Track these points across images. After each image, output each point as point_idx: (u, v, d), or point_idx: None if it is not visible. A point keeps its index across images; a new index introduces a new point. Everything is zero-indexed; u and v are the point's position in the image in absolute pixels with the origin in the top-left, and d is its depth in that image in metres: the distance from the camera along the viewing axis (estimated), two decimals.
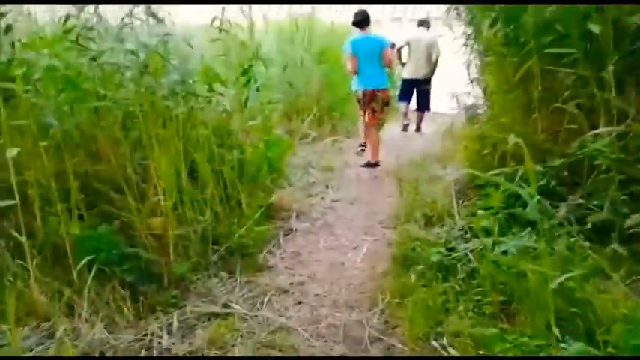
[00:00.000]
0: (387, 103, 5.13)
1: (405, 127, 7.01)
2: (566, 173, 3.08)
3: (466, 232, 2.93)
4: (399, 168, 4.58)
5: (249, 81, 3.84)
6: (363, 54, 4.97)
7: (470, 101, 5.33)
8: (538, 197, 2.59)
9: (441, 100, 8.39)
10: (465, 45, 4.83)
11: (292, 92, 6.09)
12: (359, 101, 5.18)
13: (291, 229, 3.27)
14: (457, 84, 5.35)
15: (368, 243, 3.08)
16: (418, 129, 7.05)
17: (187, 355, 1.95)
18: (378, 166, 5.03)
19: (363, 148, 5.37)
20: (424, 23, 6.78)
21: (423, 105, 6.97)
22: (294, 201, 3.63)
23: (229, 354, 1.95)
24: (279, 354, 1.96)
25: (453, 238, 2.90)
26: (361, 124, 5.42)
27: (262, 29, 5.77)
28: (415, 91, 6.87)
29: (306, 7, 6.29)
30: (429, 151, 5.31)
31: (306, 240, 3.14)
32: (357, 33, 5.17)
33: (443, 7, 4.75)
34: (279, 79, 6.10)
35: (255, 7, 5.66)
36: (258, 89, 4.06)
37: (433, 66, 6.69)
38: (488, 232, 2.83)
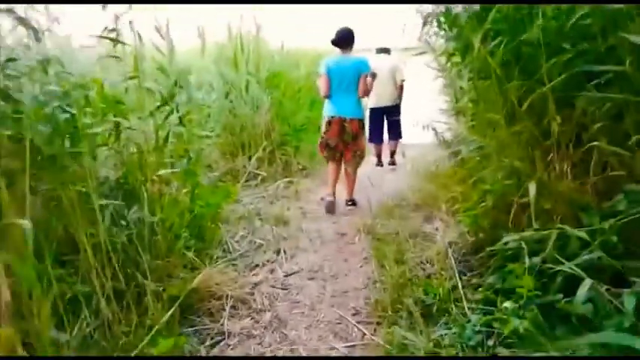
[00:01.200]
0: (355, 137, 4.21)
1: (379, 163, 6.13)
2: (615, 239, 2.17)
3: (488, 337, 1.94)
4: (373, 218, 3.60)
5: (171, 112, 2.80)
6: (336, 76, 4.17)
7: (449, 134, 4.54)
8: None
9: (410, 130, 7.64)
10: (442, 69, 4.01)
11: (236, 123, 5.04)
12: (321, 136, 4.33)
13: (222, 334, 2.16)
14: (426, 112, 4.59)
15: (339, 354, 2.03)
16: (392, 162, 6.19)
17: None
18: (353, 205, 4.34)
19: (329, 198, 4.29)
20: (384, 50, 6.12)
21: (395, 134, 6.13)
22: (230, 281, 2.53)
23: None
24: None
25: (470, 348, 1.91)
26: (329, 169, 4.39)
27: (198, 50, 4.75)
28: (385, 121, 6.02)
29: (251, 27, 5.32)
30: (406, 193, 4.36)
31: (244, 352, 2.05)
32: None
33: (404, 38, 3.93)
34: (220, 108, 5.05)
35: (188, 25, 4.73)
36: (181, 122, 2.99)
37: (399, 91, 5.92)
38: (520, 337, 1.89)
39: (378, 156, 6.13)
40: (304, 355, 2.03)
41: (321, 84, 4.18)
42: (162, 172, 2.58)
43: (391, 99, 5.88)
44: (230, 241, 3.11)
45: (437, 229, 3.23)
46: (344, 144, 4.18)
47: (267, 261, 2.97)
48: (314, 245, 3.28)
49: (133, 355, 1.87)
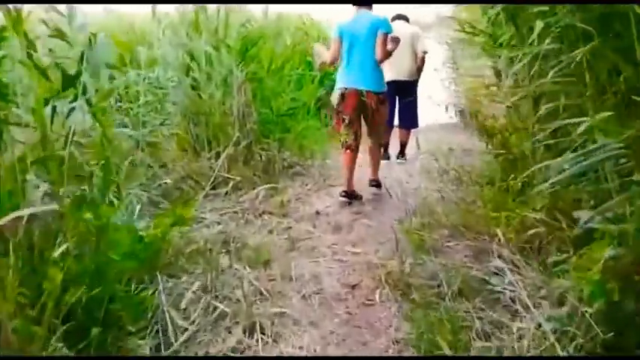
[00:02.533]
0: (374, 112, 3.46)
1: (385, 155, 4.87)
2: None
3: None
4: (399, 258, 2.38)
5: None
6: (348, 38, 3.43)
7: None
8: None
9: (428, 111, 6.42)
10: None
11: (200, 108, 3.75)
12: (336, 111, 3.54)
13: None
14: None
15: None
16: (402, 154, 4.99)
17: None
18: (378, 186, 3.71)
19: (345, 197, 3.48)
20: (401, 17, 4.98)
21: (408, 121, 4.94)
22: None
23: None
24: None
25: None
26: (345, 159, 3.53)
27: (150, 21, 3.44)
28: (398, 101, 4.79)
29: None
30: (429, 204, 3.17)
31: None
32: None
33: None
34: (177, 88, 3.75)
35: None
36: (91, 107, 1.75)
37: (420, 63, 4.71)
38: None
39: (385, 146, 4.90)
40: None
41: (332, 46, 3.52)
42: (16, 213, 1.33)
43: (408, 73, 4.69)
44: (171, 315, 1.86)
45: (510, 283, 2.02)
46: (365, 119, 3.51)
47: (232, 351, 1.75)
48: (309, 311, 2.05)
49: None
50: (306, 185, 3.90)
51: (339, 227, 3.06)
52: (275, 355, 1.75)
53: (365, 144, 3.68)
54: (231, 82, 3.74)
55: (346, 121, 3.42)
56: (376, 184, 3.69)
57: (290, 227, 3.04)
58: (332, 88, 3.73)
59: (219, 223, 3.01)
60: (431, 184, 3.80)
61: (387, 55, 3.39)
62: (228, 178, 3.50)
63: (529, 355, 1.55)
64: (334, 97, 3.53)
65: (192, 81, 3.75)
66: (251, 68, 3.82)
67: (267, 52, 4.13)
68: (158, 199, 3.03)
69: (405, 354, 1.74)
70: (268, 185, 3.44)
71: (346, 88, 3.39)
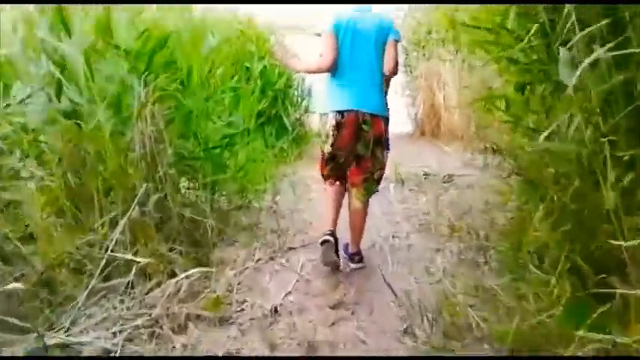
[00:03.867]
0: (375, 146, 2.50)
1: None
2: None
3: None
4: None
5: None
6: (349, 38, 2.48)
7: None
8: None
9: None
10: None
11: (82, 145, 2.39)
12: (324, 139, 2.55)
13: None
14: None
15: None
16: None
17: None
18: (360, 261, 2.56)
19: (331, 236, 2.49)
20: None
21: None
22: None
23: None
24: None
25: None
26: (328, 195, 2.62)
27: None
28: None
29: None
30: (449, 292, 2.05)
31: None
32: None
33: None
34: (41, 113, 2.37)
35: None
36: None
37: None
38: None
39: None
40: None
41: (325, 47, 2.47)
42: None
43: None
44: None
45: None
46: (356, 158, 2.52)
47: None
48: None
49: None
50: (255, 253, 2.66)
51: (312, 345, 1.84)
52: None
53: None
54: (130, 104, 2.42)
55: (339, 160, 2.52)
56: (358, 258, 2.55)
57: (230, 353, 1.79)
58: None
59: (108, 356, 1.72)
60: (430, 241, 2.70)
61: (396, 70, 2.49)
62: (130, 260, 2.18)
63: None
64: (323, 127, 2.49)
65: (66, 104, 2.38)
66: (161, 81, 2.51)
67: (186, 57, 2.83)
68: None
69: None
70: (196, 270, 2.16)
71: (343, 112, 2.42)
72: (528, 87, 2.59)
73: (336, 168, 2.57)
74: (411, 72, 8.66)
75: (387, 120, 2.53)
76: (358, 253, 2.55)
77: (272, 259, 2.61)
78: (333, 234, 2.49)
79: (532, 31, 1.92)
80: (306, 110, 6.89)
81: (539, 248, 2.04)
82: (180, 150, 2.70)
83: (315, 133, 6.95)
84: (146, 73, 2.49)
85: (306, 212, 3.47)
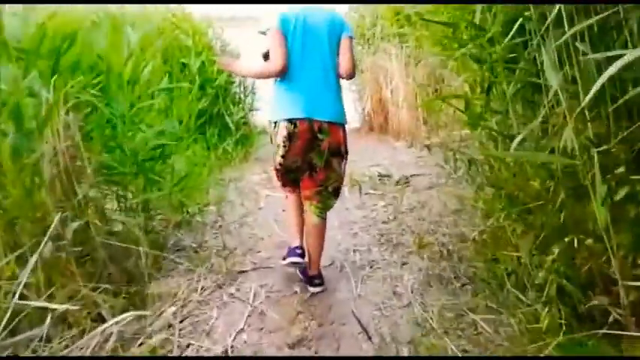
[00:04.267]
0: (333, 156, 2.22)
1: None
2: None
3: None
4: None
5: None
6: (299, 37, 2.17)
7: None
8: None
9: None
10: None
11: None
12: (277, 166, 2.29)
13: None
14: None
15: None
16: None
17: None
18: (321, 284, 2.26)
19: (300, 256, 2.32)
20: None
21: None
22: None
23: None
24: None
25: None
26: (289, 203, 2.41)
27: None
28: None
29: None
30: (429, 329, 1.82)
31: None
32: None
33: None
34: None
35: None
36: None
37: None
38: None
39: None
40: None
41: (274, 48, 2.13)
42: None
43: None
44: None
45: None
46: (308, 168, 2.24)
47: None
48: None
49: None
50: (199, 280, 2.31)
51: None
52: None
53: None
54: (37, 113, 1.99)
55: (292, 167, 2.24)
56: (319, 281, 2.27)
57: None
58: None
59: None
60: (393, 255, 2.47)
61: (352, 71, 2.25)
62: (42, 307, 1.78)
63: None
64: (274, 137, 2.20)
65: None
66: (74, 85, 2.10)
67: (104, 57, 2.41)
68: None
69: None
70: (128, 314, 1.79)
71: (294, 120, 2.13)
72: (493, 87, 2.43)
73: (291, 179, 2.32)
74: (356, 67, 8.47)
75: (344, 127, 2.27)
76: (318, 275, 2.28)
77: (219, 287, 2.28)
78: (303, 252, 2.29)
79: (514, 29, 1.69)
80: (251, 108, 6.51)
81: (517, 267, 1.86)
82: (103, 167, 2.29)
83: (259, 130, 6.63)
84: (54, 76, 2.07)
85: (256, 226, 3.15)
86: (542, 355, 1.45)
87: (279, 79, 2.21)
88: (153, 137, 2.55)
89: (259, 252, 2.70)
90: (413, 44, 6.82)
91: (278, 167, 2.26)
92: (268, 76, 2.23)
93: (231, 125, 5.43)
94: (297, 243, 2.37)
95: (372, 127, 8.02)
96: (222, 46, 6.00)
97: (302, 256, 2.34)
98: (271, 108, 2.27)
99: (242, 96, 6.56)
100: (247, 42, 4.42)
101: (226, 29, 6.28)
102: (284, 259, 2.38)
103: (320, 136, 2.15)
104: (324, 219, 2.28)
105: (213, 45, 5.87)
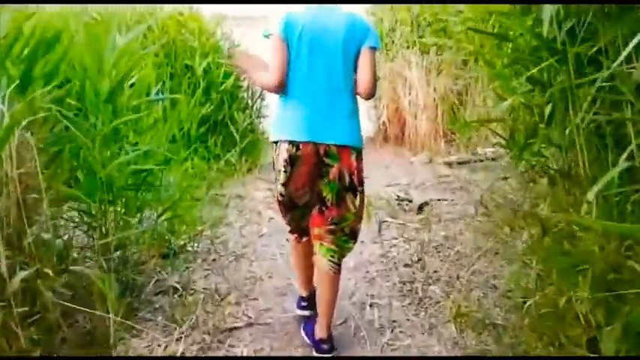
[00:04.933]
0: (347, 189, 1.81)
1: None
2: None
3: None
4: None
5: None
6: (306, 45, 1.76)
7: None
8: None
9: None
10: None
11: None
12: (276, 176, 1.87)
13: None
14: None
15: None
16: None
17: None
18: (331, 350, 1.82)
19: (307, 309, 2.02)
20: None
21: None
22: None
23: None
24: None
25: None
26: (296, 253, 2.04)
27: None
28: None
29: None
30: None
31: None
32: None
33: None
34: None
35: None
36: None
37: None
38: None
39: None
40: None
41: (272, 57, 1.77)
42: None
43: None
44: None
45: None
46: (319, 201, 1.83)
47: None
48: None
49: None
50: (178, 341, 1.87)
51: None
52: None
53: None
54: None
55: (297, 203, 1.86)
56: (328, 347, 1.83)
57: None
58: None
59: None
60: (419, 314, 2.02)
61: (373, 90, 1.84)
62: None
63: None
64: (276, 161, 1.85)
65: None
66: (39, 97, 1.68)
67: (80, 63, 1.99)
68: None
69: None
70: None
71: (295, 143, 1.77)
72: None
73: (297, 217, 1.91)
74: None
75: (360, 153, 1.85)
76: (328, 339, 1.84)
77: (204, 350, 1.85)
78: (308, 303, 1.99)
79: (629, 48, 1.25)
80: (258, 115, 6.07)
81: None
82: (69, 197, 1.87)
83: (267, 137, 6.20)
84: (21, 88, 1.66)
85: (256, 260, 2.71)
86: None
87: (282, 93, 1.82)
88: (134, 159, 2.12)
89: (256, 299, 2.25)
90: (434, 53, 6.37)
91: (280, 198, 1.86)
92: (266, 90, 1.87)
93: (235, 135, 4.99)
94: (304, 292, 2.00)
95: (387, 137, 7.56)
96: (231, 47, 5.57)
97: (309, 308, 1.97)
98: (273, 127, 1.90)
99: (249, 101, 6.13)
100: (257, 43, 4.03)
101: (238, 29, 5.85)
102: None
103: (327, 160, 1.78)
104: (338, 266, 1.85)
105: (221, 45, 5.45)
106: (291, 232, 2.00)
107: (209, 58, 5.15)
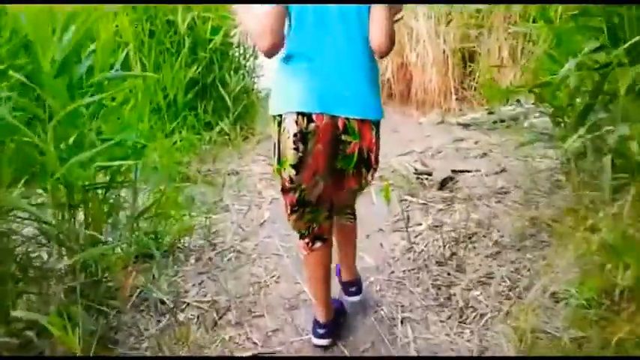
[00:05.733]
0: (369, 161, 1.55)
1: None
2: None
3: None
4: None
5: None
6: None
7: None
8: None
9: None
10: None
11: None
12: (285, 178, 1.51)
13: None
14: None
15: None
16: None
17: None
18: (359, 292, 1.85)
19: (326, 338, 1.65)
20: None
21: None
22: None
23: None
24: None
25: None
26: (308, 268, 1.72)
27: None
28: None
29: None
30: None
31: None
32: None
33: None
34: None
35: None
36: None
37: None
38: None
39: None
40: None
41: (265, 20, 1.37)
42: None
43: None
44: None
45: None
46: (335, 175, 1.59)
47: None
48: None
49: None
50: None
51: None
52: None
53: None
54: None
55: (311, 200, 1.56)
56: (356, 288, 1.87)
57: None
58: None
59: None
60: (467, 329, 1.63)
61: (390, 46, 1.47)
62: None
63: None
64: (278, 140, 1.51)
65: None
66: None
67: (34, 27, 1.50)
68: None
69: None
70: None
71: (310, 116, 1.44)
72: None
73: (310, 214, 1.58)
74: None
75: (378, 126, 1.56)
76: (356, 281, 1.87)
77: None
78: (327, 330, 1.67)
79: None
80: (253, 75, 5.48)
81: None
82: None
83: (264, 97, 5.66)
84: None
85: (258, 258, 2.30)
86: None
87: (284, 53, 1.46)
88: (104, 152, 1.65)
89: (261, 316, 1.86)
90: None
91: (288, 186, 1.52)
92: (269, 44, 1.40)
93: (228, 101, 4.46)
94: (321, 316, 1.65)
95: (392, 94, 7.01)
96: None
97: (328, 335, 1.62)
98: (274, 98, 1.53)
99: (241, 58, 5.52)
100: None
101: None
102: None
103: (345, 137, 1.50)
104: (354, 216, 1.80)
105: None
106: (301, 237, 1.62)
107: (193, 13, 4.54)
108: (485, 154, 3.74)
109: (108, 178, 1.71)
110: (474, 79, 5.81)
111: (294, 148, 1.44)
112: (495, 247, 2.23)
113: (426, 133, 4.72)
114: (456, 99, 5.81)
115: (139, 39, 4.07)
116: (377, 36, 1.43)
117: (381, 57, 1.57)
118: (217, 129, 4.24)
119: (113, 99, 2.89)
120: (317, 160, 1.48)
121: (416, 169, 3.35)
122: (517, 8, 5.25)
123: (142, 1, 4.80)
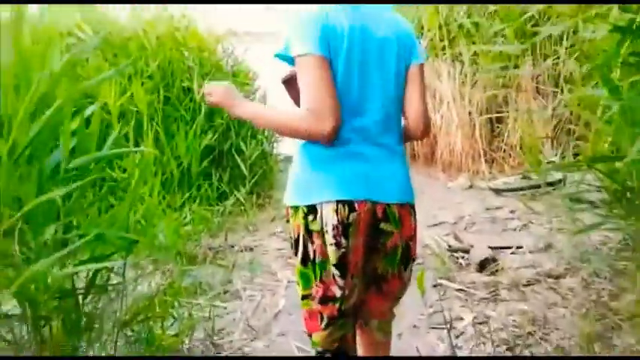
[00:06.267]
0: (410, 253, 1.29)
1: None
2: None
3: None
4: None
5: None
6: (357, 67, 1.16)
7: None
8: None
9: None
10: None
11: None
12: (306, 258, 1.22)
13: None
14: None
15: None
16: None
17: None
18: None
19: None
20: None
21: None
22: None
23: None
24: None
25: None
26: None
27: None
28: None
29: None
30: None
31: None
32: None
33: None
34: None
35: None
36: None
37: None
38: None
39: None
40: None
41: (314, 87, 1.10)
42: None
43: None
44: None
45: None
46: (376, 279, 1.30)
47: None
48: None
49: None
50: None
51: None
52: None
53: None
54: None
55: (347, 311, 1.27)
56: None
57: None
58: None
59: None
60: None
61: (428, 127, 1.32)
62: None
63: None
64: (304, 238, 1.22)
65: None
66: None
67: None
68: None
69: None
70: None
71: (351, 204, 1.16)
72: None
73: (343, 329, 1.29)
74: None
75: (415, 210, 1.32)
76: None
77: None
78: None
79: None
80: (272, 138, 5.30)
81: None
82: None
83: (282, 160, 5.44)
84: None
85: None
86: None
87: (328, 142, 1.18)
88: (80, 250, 1.37)
89: None
90: (468, 61, 5.59)
91: (330, 295, 1.24)
92: (306, 138, 1.18)
93: (244, 170, 4.24)
94: None
95: (416, 155, 6.75)
96: (235, 65, 4.87)
97: None
98: (298, 185, 1.23)
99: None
100: (264, 61, 3.27)
101: (240, 45, 5.15)
102: None
103: (385, 226, 1.23)
104: (390, 332, 1.44)
105: (222, 64, 4.74)
106: (320, 344, 1.29)
107: (211, 80, 4.45)
108: (525, 226, 3.37)
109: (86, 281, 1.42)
110: (502, 140, 5.52)
111: (336, 244, 1.16)
112: (557, 352, 1.82)
113: (456, 200, 4.37)
114: (485, 161, 5.50)
115: (153, 107, 3.94)
116: (417, 117, 1.26)
117: (420, 139, 1.36)
118: (231, 200, 3.99)
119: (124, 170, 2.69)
120: (356, 258, 1.20)
121: (450, 246, 2.98)
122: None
123: (146, 0, 4.68)
